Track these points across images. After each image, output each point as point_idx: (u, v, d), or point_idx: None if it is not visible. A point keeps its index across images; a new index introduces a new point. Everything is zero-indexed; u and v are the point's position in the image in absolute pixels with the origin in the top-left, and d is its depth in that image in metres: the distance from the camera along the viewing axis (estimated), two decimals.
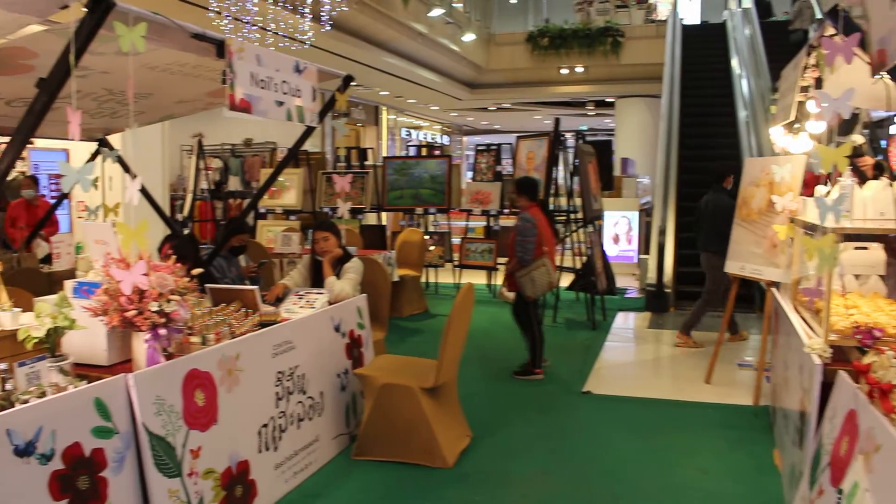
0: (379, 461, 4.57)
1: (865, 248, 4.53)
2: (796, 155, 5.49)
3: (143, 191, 5.22)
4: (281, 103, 4.29)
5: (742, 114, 12.27)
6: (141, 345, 3.25)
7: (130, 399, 3.03)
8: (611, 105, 20.76)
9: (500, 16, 21.28)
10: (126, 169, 5.68)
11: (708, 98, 13.84)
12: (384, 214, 11.53)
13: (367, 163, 11.81)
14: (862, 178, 5.10)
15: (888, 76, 2.89)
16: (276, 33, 9.36)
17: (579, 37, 18.25)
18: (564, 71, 18.71)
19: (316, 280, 5.44)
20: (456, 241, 11.39)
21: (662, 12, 19.29)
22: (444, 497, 4.17)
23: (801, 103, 4.55)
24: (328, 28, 10.19)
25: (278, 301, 5.00)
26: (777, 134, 5.61)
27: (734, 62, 14.24)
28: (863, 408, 2.79)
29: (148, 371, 3.17)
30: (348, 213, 6.25)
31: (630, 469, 4.61)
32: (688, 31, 17.03)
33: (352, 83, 5.35)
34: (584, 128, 28.10)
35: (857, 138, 6.39)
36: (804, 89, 4.20)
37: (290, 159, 5.87)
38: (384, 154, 19.72)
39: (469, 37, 17.04)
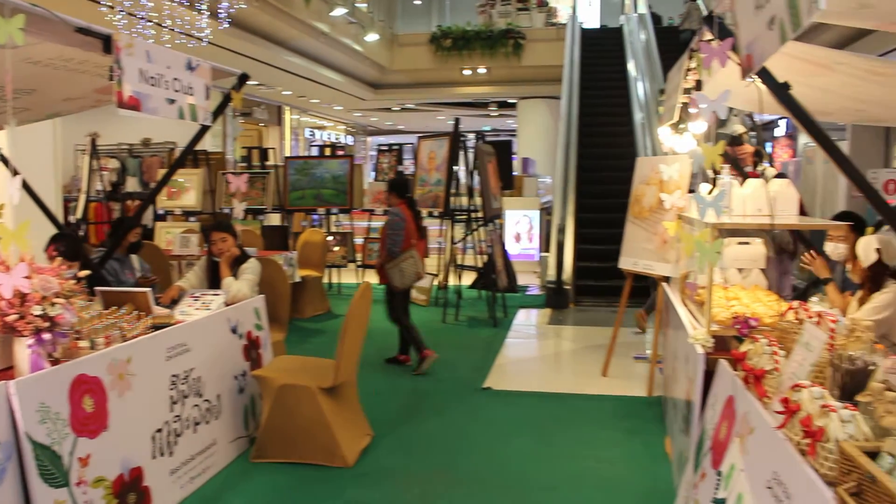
0: (278, 463, 4.53)
1: (748, 244, 4.77)
2: (683, 154, 5.72)
3: (29, 190, 5.01)
4: (172, 101, 4.20)
5: (638, 115, 12.67)
6: (24, 350, 3.12)
7: (11, 407, 2.92)
8: (513, 106, 21.06)
9: (404, 16, 21.33)
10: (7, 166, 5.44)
11: (606, 100, 14.24)
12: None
13: (268, 163, 11.65)
14: (741, 172, 5.34)
15: (759, 79, 3.05)
16: (173, 30, 9.12)
17: (481, 38, 18.46)
18: (467, 72, 18.88)
19: (213, 281, 5.35)
20: (359, 241, 11.36)
21: (563, 16, 19.71)
22: (344, 496, 4.16)
23: (685, 104, 4.75)
24: (226, 25, 10.00)
25: (174, 303, 4.88)
26: (665, 134, 5.83)
27: (630, 66, 14.69)
28: (740, 394, 2.94)
29: (31, 378, 3.05)
30: (243, 213, 6.16)
31: (528, 461, 4.70)
32: (587, 34, 17.47)
33: (250, 82, 5.27)
34: (488, 128, 28.41)
35: (738, 128, 6.69)
36: (686, 91, 4.39)
37: (184, 158, 5.74)
38: (287, 154, 19.48)
39: (372, 37, 17.00)
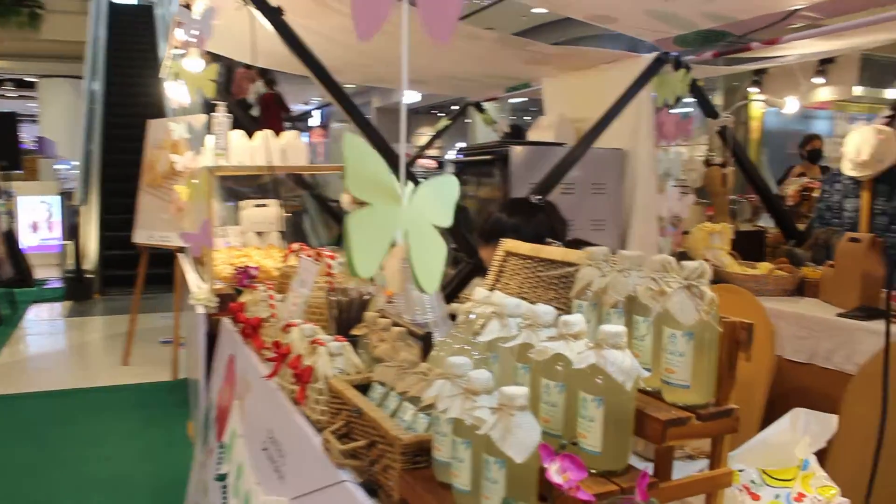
0: None
1: (265, 206, 4.57)
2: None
3: None
4: None
5: None
6: None
7: None
8: (34, 86, 18.88)
9: None
10: None
11: (141, 80, 13.36)
12: None
13: None
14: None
15: (252, 4, 2.76)
16: None
17: None
18: None
19: None
20: None
21: None
22: None
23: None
24: None
25: None
26: (171, 88, 5.30)
27: (162, 46, 13.99)
28: (239, 350, 2.61)
29: None
30: None
31: (23, 474, 3.99)
32: (119, 10, 16.33)
33: None
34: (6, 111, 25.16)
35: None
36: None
37: None
38: None
39: None
